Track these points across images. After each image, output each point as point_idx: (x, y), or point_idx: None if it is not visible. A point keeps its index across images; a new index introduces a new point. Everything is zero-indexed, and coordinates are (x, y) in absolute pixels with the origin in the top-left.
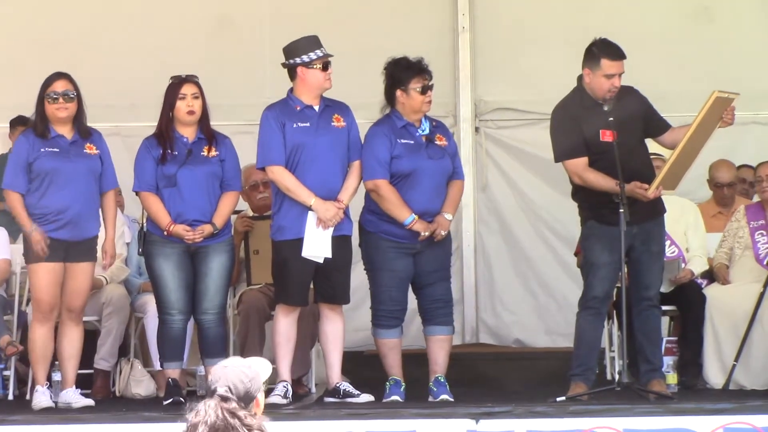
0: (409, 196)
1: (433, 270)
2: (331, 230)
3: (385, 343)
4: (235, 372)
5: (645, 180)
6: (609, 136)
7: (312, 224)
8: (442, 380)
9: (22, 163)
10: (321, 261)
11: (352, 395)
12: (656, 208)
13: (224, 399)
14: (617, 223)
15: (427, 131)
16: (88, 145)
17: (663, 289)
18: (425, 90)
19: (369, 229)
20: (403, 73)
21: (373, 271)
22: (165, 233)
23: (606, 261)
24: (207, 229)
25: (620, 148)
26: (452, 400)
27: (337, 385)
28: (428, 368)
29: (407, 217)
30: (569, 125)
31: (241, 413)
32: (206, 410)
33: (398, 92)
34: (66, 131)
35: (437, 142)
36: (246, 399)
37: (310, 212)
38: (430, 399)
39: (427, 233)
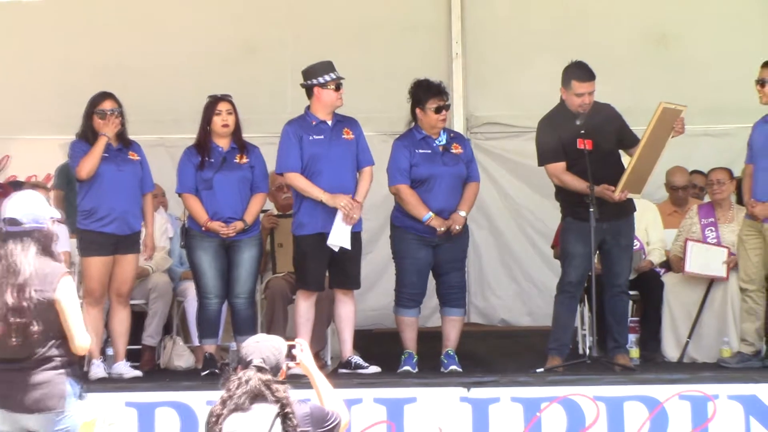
0: (427, 197)
1: (449, 260)
2: (350, 227)
3: (404, 320)
4: (267, 346)
5: (615, 184)
6: (584, 145)
7: (339, 219)
8: (452, 353)
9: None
10: (336, 249)
11: (361, 367)
12: (626, 207)
13: (260, 369)
14: (602, 217)
15: (444, 142)
16: (130, 152)
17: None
18: (440, 110)
19: (397, 224)
20: (423, 93)
21: (398, 259)
22: (203, 229)
23: (579, 252)
24: (239, 225)
25: (593, 156)
26: (461, 370)
27: (349, 358)
28: (439, 344)
29: (425, 215)
30: (551, 134)
31: (274, 385)
32: (247, 378)
33: (417, 110)
34: (111, 141)
35: (453, 151)
36: (275, 369)
37: (339, 211)
38: (442, 369)
39: (443, 228)
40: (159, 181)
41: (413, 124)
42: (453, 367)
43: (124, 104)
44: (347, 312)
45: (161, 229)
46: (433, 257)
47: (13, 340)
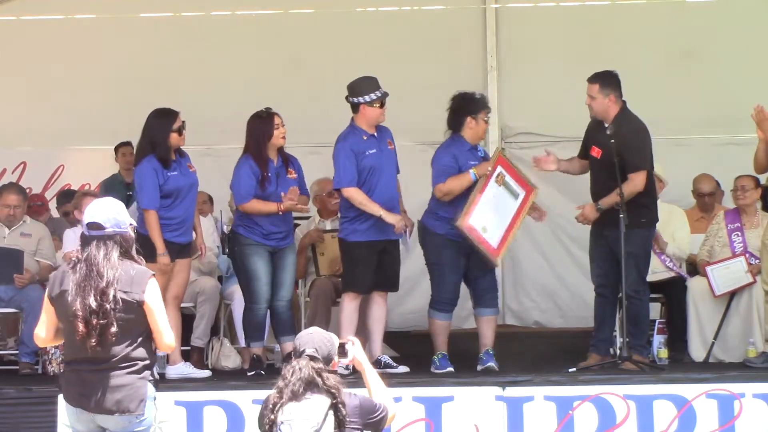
0: None
1: (483, 264)
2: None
3: (439, 323)
4: (319, 337)
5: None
6: (594, 152)
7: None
8: (491, 352)
9: (156, 185)
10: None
11: (391, 366)
12: (627, 216)
13: (312, 359)
14: (603, 226)
15: (483, 154)
16: (188, 164)
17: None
18: (488, 121)
19: (437, 231)
20: (475, 104)
21: (437, 265)
22: (279, 213)
23: (594, 256)
24: (304, 201)
25: (600, 165)
26: (497, 369)
27: (379, 357)
28: (475, 344)
29: (470, 175)
30: (586, 132)
31: (325, 374)
32: (300, 367)
33: (468, 119)
34: (172, 154)
35: None
36: (327, 359)
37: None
38: (479, 367)
39: (488, 169)
40: (206, 189)
41: (451, 133)
42: (491, 364)
43: None
44: (381, 313)
45: (208, 231)
46: (467, 262)
47: (93, 341)
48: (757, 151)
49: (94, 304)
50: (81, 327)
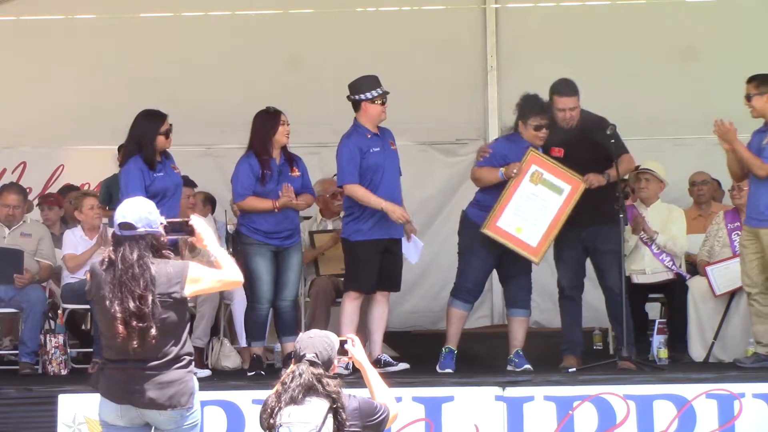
0: None
1: (521, 263)
2: (420, 245)
3: (456, 312)
4: (320, 341)
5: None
6: (556, 152)
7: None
8: (521, 353)
9: (142, 186)
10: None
11: (390, 365)
12: (606, 214)
13: (312, 364)
14: (580, 228)
15: None
16: (172, 165)
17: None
18: (539, 128)
19: (477, 222)
20: (527, 109)
21: (469, 255)
22: (275, 210)
23: (564, 258)
24: (308, 200)
25: (565, 163)
26: (532, 369)
27: (378, 356)
28: (474, 344)
29: (499, 173)
30: None
31: (325, 380)
32: (300, 373)
33: (520, 123)
34: (158, 157)
35: None
36: (327, 364)
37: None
38: (510, 368)
39: (515, 171)
40: (206, 189)
41: (513, 131)
42: (526, 367)
43: (172, 116)
44: (382, 313)
45: (207, 233)
46: (500, 262)
47: (135, 343)
48: (728, 162)
49: (132, 307)
50: (121, 329)
